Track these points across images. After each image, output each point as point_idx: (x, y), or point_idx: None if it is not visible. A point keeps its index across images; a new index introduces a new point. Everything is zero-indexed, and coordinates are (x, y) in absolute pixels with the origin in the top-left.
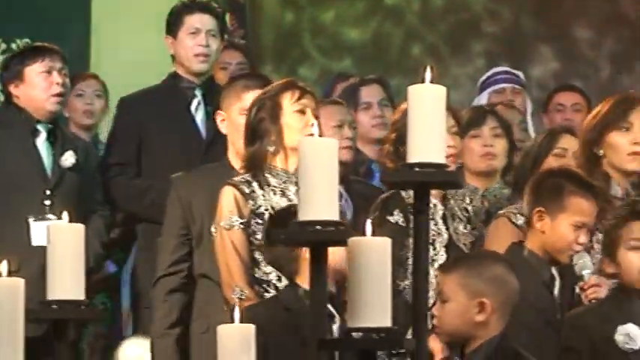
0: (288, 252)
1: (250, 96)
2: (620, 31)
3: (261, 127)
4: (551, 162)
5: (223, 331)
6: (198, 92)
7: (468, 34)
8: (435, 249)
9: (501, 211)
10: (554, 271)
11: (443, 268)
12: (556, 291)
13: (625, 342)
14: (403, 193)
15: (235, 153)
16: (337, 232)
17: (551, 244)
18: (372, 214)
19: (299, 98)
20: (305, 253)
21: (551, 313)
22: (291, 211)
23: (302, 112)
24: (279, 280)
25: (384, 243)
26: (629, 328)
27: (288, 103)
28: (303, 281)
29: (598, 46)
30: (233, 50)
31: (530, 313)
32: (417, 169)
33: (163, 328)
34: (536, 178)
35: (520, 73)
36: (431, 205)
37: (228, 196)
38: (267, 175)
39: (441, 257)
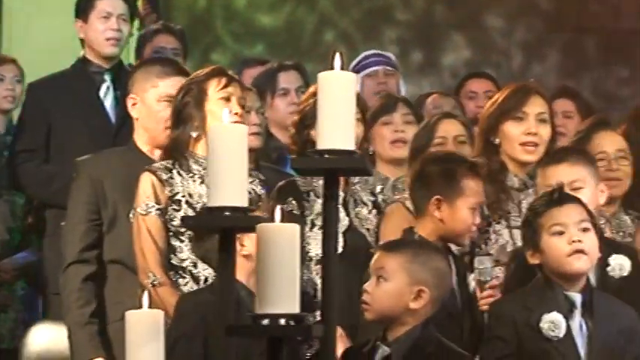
0: None
1: (167, 83)
2: (532, 21)
3: (186, 112)
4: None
5: (132, 317)
6: (107, 77)
7: (380, 21)
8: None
9: (396, 197)
10: (451, 262)
11: (386, 247)
12: (453, 281)
13: (550, 330)
14: (299, 181)
15: (148, 138)
16: (246, 219)
17: (451, 230)
18: (269, 202)
19: (225, 86)
20: (240, 249)
21: (452, 304)
22: None
23: (227, 99)
24: (195, 266)
25: (293, 229)
26: (554, 316)
27: (214, 90)
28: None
29: (509, 34)
30: (168, 35)
31: None
32: (326, 156)
33: (85, 318)
34: (423, 164)
35: (391, 55)
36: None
37: (145, 182)
38: (188, 161)
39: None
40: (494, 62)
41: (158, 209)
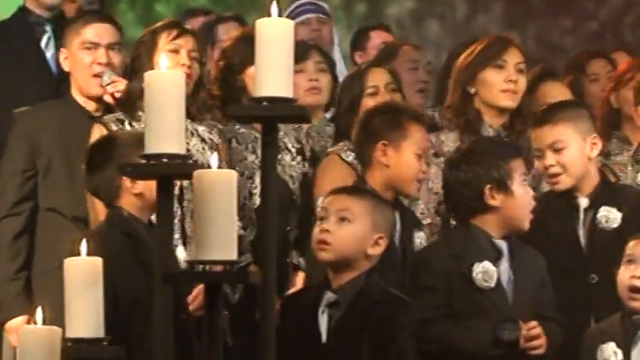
0: (110, 180)
1: (89, 30)
2: None
3: (138, 64)
4: (367, 102)
5: (70, 264)
6: (48, 27)
7: None
8: (253, 182)
9: (330, 149)
10: (396, 215)
11: (350, 190)
12: (396, 235)
13: (484, 280)
14: (223, 128)
15: (79, 89)
16: (183, 166)
17: (397, 176)
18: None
19: (175, 38)
20: (125, 181)
21: (393, 256)
22: (110, 140)
23: (175, 51)
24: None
25: (230, 175)
26: (487, 266)
27: (164, 41)
28: (124, 205)
29: None
30: None
31: None
32: (265, 104)
33: (11, 273)
34: (367, 116)
35: (325, 4)
36: (252, 137)
37: (95, 133)
38: (140, 112)
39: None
40: (439, 13)
41: (120, 164)
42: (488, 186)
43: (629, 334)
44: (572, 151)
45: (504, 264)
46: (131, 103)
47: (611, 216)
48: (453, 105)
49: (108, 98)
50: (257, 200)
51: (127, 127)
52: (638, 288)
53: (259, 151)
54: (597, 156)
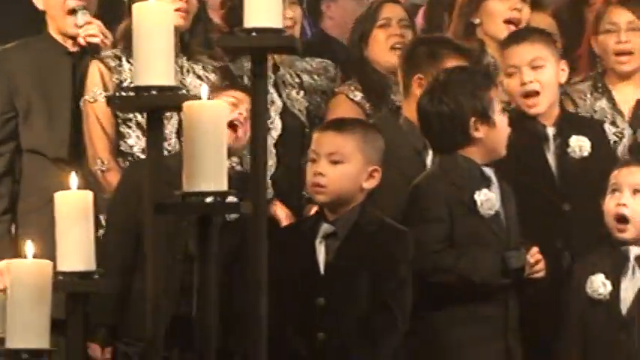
0: None
1: None
2: None
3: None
4: (377, 34)
5: (61, 198)
6: None
7: None
8: (270, 117)
9: (338, 89)
10: (427, 140)
11: (337, 127)
12: (428, 160)
13: (488, 208)
14: (231, 66)
15: (55, 27)
16: (173, 97)
17: None
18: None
19: None
20: None
21: None
22: None
23: None
24: (144, 152)
25: (220, 106)
26: (488, 193)
27: None
28: None
29: None
30: None
31: (401, 178)
32: (254, 34)
33: None
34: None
35: None
36: None
37: (93, 69)
38: None
39: (277, 125)
40: None
41: (106, 96)
42: (473, 119)
43: (618, 265)
44: (550, 71)
45: (495, 191)
46: (128, 39)
47: (583, 145)
48: (456, 37)
49: (82, 41)
50: (274, 135)
51: (125, 63)
52: (623, 215)
53: (269, 87)
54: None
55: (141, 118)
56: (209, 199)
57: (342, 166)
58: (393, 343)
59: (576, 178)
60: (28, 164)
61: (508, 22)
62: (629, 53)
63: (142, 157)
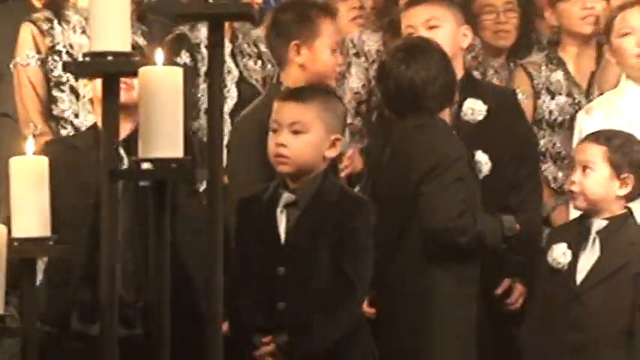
0: None
1: None
2: None
3: None
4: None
5: (16, 164)
6: None
7: None
8: (226, 86)
9: None
10: None
11: (297, 96)
12: None
13: (481, 166)
14: (189, 34)
15: None
16: (129, 63)
17: (315, 73)
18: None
19: None
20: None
21: None
22: None
23: None
24: (76, 116)
25: (176, 72)
26: (481, 154)
27: None
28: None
29: None
30: None
31: None
32: (210, 1)
33: None
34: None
35: None
36: None
37: (25, 32)
38: (68, 11)
39: (233, 94)
40: None
41: (39, 59)
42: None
43: (580, 236)
44: (446, 31)
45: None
46: (59, 2)
47: (476, 108)
48: (376, 6)
49: None
50: (230, 104)
51: (56, 26)
52: (572, 192)
53: (226, 56)
54: (466, 48)
55: (74, 82)
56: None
57: (303, 136)
58: (354, 310)
59: (470, 141)
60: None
61: None
62: (593, 16)
63: (75, 121)
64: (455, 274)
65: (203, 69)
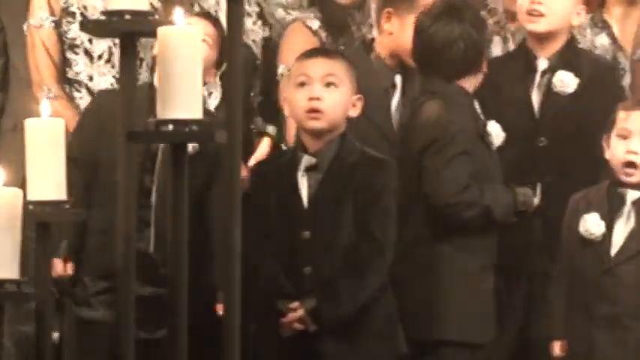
0: None
1: None
2: None
3: None
4: None
5: (32, 125)
6: None
7: None
8: None
9: (297, 16)
10: (397, 80)
11: (326, 53)
12: (395, 101)
13: (497, 140)
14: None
15: None
16: (147, 22)
17: (401, 44)
18: None
19: None
20: None
21: (387, 124)
22: None
23: None
24: (91, 79)
25: (195, 32)
26: (495, 125)
27: None
28: None
29: None
30: None
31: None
32: None
33: None
34: None
35: None
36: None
37: None
38: None
39: None
40: None
41: (53, 21)
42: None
43: (614, 207)
44: (566, 2)
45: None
46: None
47: (566, 80)
48: None
49: None
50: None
51: None
52: (633, 163)
53: (221, 15)
54: (576, 25)
55: (89, 44)
56: (185, 127)
57: (337, 90)
58: (381, 273)
59: (558, 114)
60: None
61: None
62: None
63: (89, 84)
64: (465, 247)
65: None
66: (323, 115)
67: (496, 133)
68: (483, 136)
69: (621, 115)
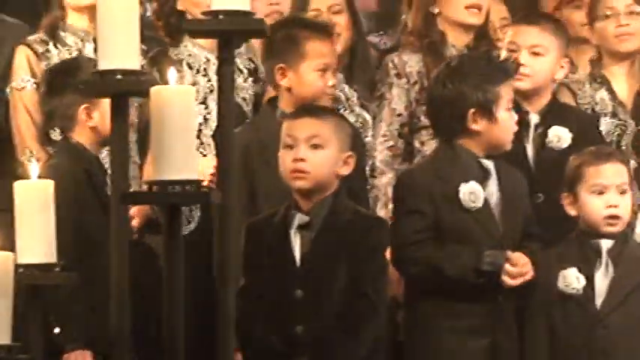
0: (67, 108)
1: None
2: None
3: None
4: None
5: (21, 187)
6: None
7: None
8: (206, 107)
9: None
10: None
11: (313, 112)
12: None
13: (470, 200)
14: (170, 50)
15: None
16: (139, 82)
17: (302, 95)
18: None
19: None
20: (81, 113)
21: None
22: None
23: None
24: None
25: (188, 92)
26: (472, 185)
27: None
28: (76, 137)
29: None
30: None
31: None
32: (221, 17)
33: None
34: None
35: None
36: (203, 59)
37: (20, 55)
38: (64, 33)
39: (214, 115)
40: None
41: (34, 83)
42: (472, 110)
43: (590, 258)
44: (548, 61)
45: (492, 184)
46: (54, 24)
47: (562, 135)
48: (415, 28)
49: None
50: (213, 125)
51: (53, 49)
52: (617, 216)
53: (211, 74)
54: (558, 80)
55: None
56: (178, 188)
57: (322, 151)
58: (375, 333)
59: (554, 169)
60: None
61: (470, 7)
62: (630, 34)
63: None
64: (442, 308)
65: None
66: (308, 175)
67: (469, 193)
68: (455, 199)
69: (591, 170)
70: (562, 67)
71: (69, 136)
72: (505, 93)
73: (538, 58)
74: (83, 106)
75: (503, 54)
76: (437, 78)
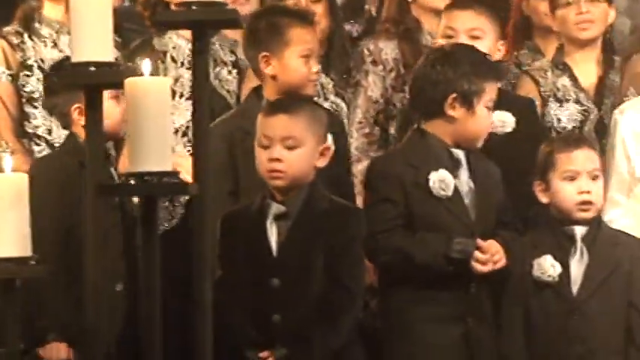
0: (62, 106)
1: None
2: None
3: None
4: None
5: None
6: None
7: None
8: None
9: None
10: None
11: (286, 108)
12: None
13: (440, 188)
14: (155, 41)
15: None
16: (112, 73)
17: (287, 83)
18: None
19: None
20: (74, 112)
21: None
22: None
23: None
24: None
25: (163, 83)
26: (442, 174)
27: None
28: (78, 132)
29: None
30: None
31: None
32: (194, 8)
33: None
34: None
35: None
36: (187, 51)
37: None
38: (39, 24)
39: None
40: None
41: (9, 75)
42: (453, 95)
43: (564, 245)
44: (486, 45)
45: (464, 174)
46: (29, 16)
47: (506, 120)
48: (390, 15)
49: None
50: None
51: (28, 41)
52: (589, 202)
53: None
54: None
55: None
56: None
57: (298, 150)
58: (352, 321)
59: (500, 153)
60: None
61: None
62: (590, 22)
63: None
64: (416, 296)
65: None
66: (284, 174)
67: (439, 181)
68: (425, 186)
69: (562, 157)
70: (499, 49)
71: (73, 132)
72: (489, 90)
73: (476, 41)
74: (75, 106)
75: (439, 42)
76: (427, 58)
